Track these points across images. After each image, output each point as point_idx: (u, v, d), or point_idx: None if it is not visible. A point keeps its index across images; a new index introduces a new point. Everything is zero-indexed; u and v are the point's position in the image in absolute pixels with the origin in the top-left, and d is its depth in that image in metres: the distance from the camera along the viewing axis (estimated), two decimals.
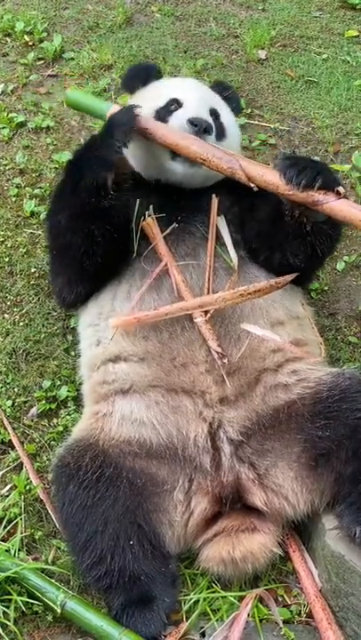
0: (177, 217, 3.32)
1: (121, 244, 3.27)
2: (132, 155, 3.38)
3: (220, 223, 3.27)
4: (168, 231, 3.26)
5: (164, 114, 3.37)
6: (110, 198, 3.14)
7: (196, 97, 3.44)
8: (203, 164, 3.17)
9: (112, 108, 3.33)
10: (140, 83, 3.68)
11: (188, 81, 3.79)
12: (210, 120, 3.31)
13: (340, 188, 3.00)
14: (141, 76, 3.72)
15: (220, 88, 3.78)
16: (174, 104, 3.40)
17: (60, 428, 3.50)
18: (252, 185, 3.10)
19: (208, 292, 3.15)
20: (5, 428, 3.49)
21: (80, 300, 3.43)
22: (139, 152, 3.38)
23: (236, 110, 3.80)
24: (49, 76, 4.72)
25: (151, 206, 3.30)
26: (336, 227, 3.25)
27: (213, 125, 3.30)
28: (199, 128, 3.21)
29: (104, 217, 3.19)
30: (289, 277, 3.13)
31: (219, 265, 3.23)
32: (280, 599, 3.07)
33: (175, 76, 4.61)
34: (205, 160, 3.13)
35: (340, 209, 2.97)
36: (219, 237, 3.27)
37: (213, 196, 3.28)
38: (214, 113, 3.45)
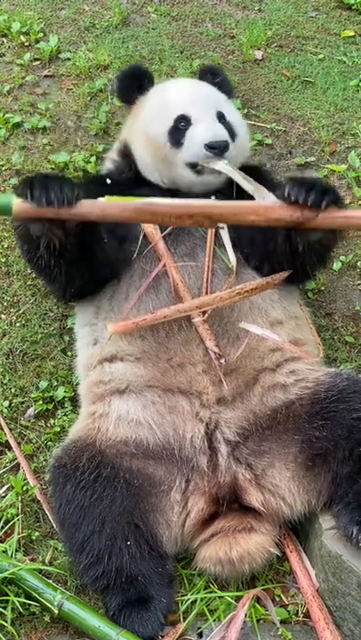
0: None
1: (103, 268, 3.26)
2: (142, 162, 3.44)
3: (219, 224, 3.27)
4: (167, 231, 3.26)
5: (177, 137, 3.35)
6: (62, 249, 3.03)
7: (203, 109, 3.40)
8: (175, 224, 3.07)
9: (16, 202, 2.78)
10: (137, 91, 3.66)
11: (188, 86, 3.72)
12: (225, 136, 3.28)
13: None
14: (134, 83, 3.68)
15: (209, 76, 3.76)
16: (183, 121, 3.37)
17: (57, 429, 3.50)
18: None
19: (206, 293, 3.15)
20: (2, 429, 3.49)
21: (73, 297, 3.43)
22: (154, 165, 3.41)
23: (229, 93, 3.78)
24: (45, 76, 4.71)
25: None
26: (327, 247, 3.23)
27: (229, 141, 3.28)
28: (219, 151, 3.20)
29: (68, 263, 3.11)
30: (284, 274, 3.11)
31: (217, 266, 3.23)
32: (277, 599, 3.08)
33: (171, 76, 4.61)
34: (174, 222, 2.94)
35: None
36: (218, 238, 3.27)
37: (213, 197, 3.27)
38: (221, 116, 3.43)
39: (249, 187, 2.99)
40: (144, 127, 3.48)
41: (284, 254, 3.15)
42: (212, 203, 2.82)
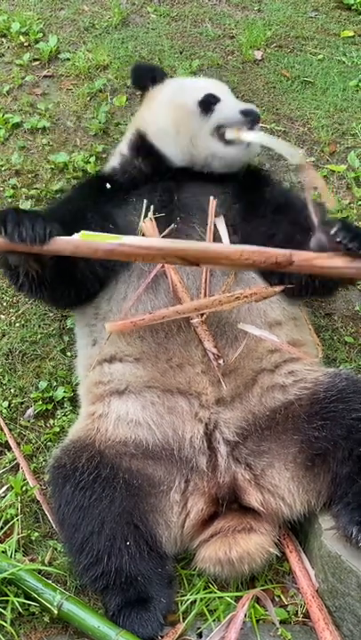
0: (176, 217, 3.32)
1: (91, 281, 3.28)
2: (161, 137, 3.48)
3: (218, 224, 3.27)
4: (166, 232, 3.26)
5: (207, 106, 3.40)
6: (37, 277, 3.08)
7: (228, 94, 3.52)
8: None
9: None
10: (150, 80, 3.73)
11: (206, 79, 3.88)
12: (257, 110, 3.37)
13: None
14: (149, 73, 3.77)
15: None
16: (212, 97, 3.43)
17: (57, 429, 3.50)
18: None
19: (205, 294, 3.15)
20: (2, 429, 3.49)
21: (72, 306, 3.45)
22: (175, 136, 3.45)
23: None
24: (45, 76, 4.71)
25: (152, 206, 3.29)
26: (337, 282, 3.26)
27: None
28: (252, 119, 3.27)
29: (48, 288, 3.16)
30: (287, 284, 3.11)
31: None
32: (277, 599, 3.07)
33: (171, 77, 4.61)
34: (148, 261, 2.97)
35: None
36: (217, 239, 3.27)
37: (211, 198, 3.28)
38: None
39: (287, 150, 3.09)
40: (170, 98, 3.54)
41: (298, 280, 3.14)
42: (185, 244, 2.83)
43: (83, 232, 2.80)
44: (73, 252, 2.83)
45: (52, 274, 3.06)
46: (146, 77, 3.76)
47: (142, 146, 3.56)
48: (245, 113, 3.29)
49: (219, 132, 3.35)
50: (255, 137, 3.27)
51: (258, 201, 3.35)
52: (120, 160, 3.64)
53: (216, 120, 3.36)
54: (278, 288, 3.04)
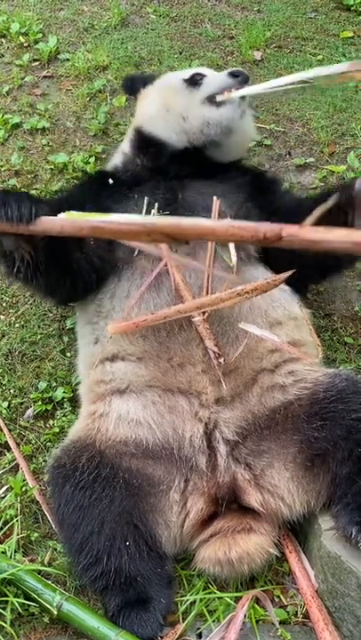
0: (180, 215, 3.32)
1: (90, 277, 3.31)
2: (157, 124, 3.53)
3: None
4: None
5: (194, 81, 3.48)
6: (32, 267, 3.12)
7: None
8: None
9: None
10: (141, 84, 3.79)
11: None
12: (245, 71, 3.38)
13: None
14: (140, 81, 3.83)
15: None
16: (198, 75, 3.51)
17: (56, 430, 3.50)
18: None
19: (207, 292, 3.15)
20: (1, 430, 3.49)
21: (70, 300, 3.45)
22: (168, 119, 3.49)
23: None
24: (44, 77, 4.72)
25: (156, 204, 3.30)
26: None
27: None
28: (242, 79, 3.29)
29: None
30: (285, 275, 3.07)
31: (218, 265, 3.23)
32: (276, 600, 3.07)
33: None
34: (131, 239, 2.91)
35: None
36: None
37: (215, 198, 3.28)
38: None
39: (278, 85, 3.08)
40: (159, 87, 3.63)
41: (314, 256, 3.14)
42: (169, 221, 2.80)
43: (67, 212, 2.81)
44: (59, 231, 2.82)
45: (45, 257, 3.07)
46: (138, 86, 3.82)
47: (141, 140, 3.60)
48: (233, 74, 3.33)
49: (210, 100, 3.40)
50: (246, 91, 3.30)
51: (270, 198, 3.36)
52: (122, 158, 3.67)
53: (205, 90, 3.43)
54: (279, 281, 3.04)
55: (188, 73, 3.58)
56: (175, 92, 3.50)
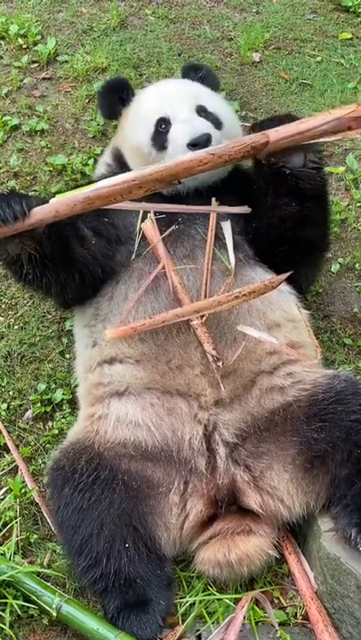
0: (177, 218, 3.32)
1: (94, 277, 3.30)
2: (130, 157, 3.50)
3: (224, 226, 3.27)
4: (167, 233, 3.26)
5: (160, 141, 3.38)
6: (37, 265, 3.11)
7: (180, 107, 3.40)
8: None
9: None
10: (120, 104, 3.69)
11: (164, 87, 3.70)
12: (205, 128, 3.26)
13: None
14: (115, 97, 3.70)
15: (192, 72, 3.79)
16: (163, 124, 3.40)
17: (56, 431, 3.50)
18: None
19: (205, 295, 3.15)
20: (0, 432, 3.49)
21: (75, 303, 3.43)
22: (139, 160, 3.42)
23: (215, 86, 3.80)
24: (43, 79, 4.71)
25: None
26: (317, 167, 3.19)
27: (211, 132, 3.26)
28: (201, 146, 3.15)
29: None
30: (283, 277, 3.08)
31: (216, 267, 3.23)
32: (276, 601, 3.07)
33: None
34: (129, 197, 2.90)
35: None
36: (218, 240, 3.26)
37: (213, 199, 3.28)
38: (202, 109, 3.44)
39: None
40: (129, 139, 3.52)
41: (281, 186, 3.15)
42: (156, 167, 2.79)
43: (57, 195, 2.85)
44: (55, 215, 2.86)
45: (51, 249, 3.06)
46: (114, 103, 3.71)
47: (120, 160, 3.61)
48: (193, 144, 3.20)
49: None
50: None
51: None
52: (107, 169, 3.66)
53: (170, 157, 3.26)
54: (277, 283, 3.04)
55: (152, 122, 3.41)
56: (147, 158, 3.40)
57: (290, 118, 3.00)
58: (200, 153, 2.78)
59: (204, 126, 3.29)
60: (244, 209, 3.15)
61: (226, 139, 3.30)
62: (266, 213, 3.26)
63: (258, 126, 3.03)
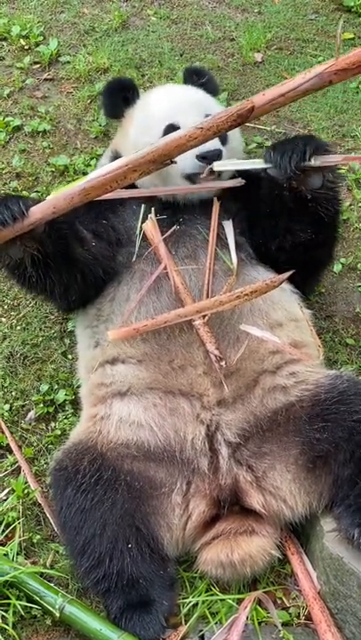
0: (179, 219, 3.32)
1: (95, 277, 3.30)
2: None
3: (226, 226, 3.27)
4: (168, 233, 3.26)
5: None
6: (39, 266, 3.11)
7: (192, 117, 3.34)
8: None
9: None
10: (123, 104, 3.66)
11: (175, 94, 3.65)
12: (216, 144, 3.22)
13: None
14: (119, 97, 3.68)
15: (195, 77, 3.77)
16: (172, 130, 3.35)
17: (58, 432, 3.51)
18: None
19: (207, 295, 3.15)
20: (3, 432, 3.49)
21: (78, 305, 3.43)
22: (149, 179, 3.35)
23: (215, 92, 3.79)
24: (45, 79, 4.72)
25: (153, 208, 3.29)
26: (334, 187, 3.19)
27: (220, 148, 3.24)
28: (210, 160, 3.16)
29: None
30: (284, 276, 3.08)
31: (218, 267, 3.23)
32: (279, 602, 3.07)
33: (171, 79, 4.62)
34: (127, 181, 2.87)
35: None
36: (220, 240, 3.26)
37: (215, 199, 3.28)
38: None
39: (254, 165, 3.10)
40: (134, 141, 3.47)
41: (298, 209, 3.15)
42: (148, 149, 2.78)
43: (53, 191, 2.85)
44: (53, 211, 2.86)
45: (53, 249, 3.06)
46: (118, 103, 3.68)
47: None
48: (203, 157, 3.18)
49: (188, 178, 3.29)
50: (218, 167, 3.16)
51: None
52: None
53: (179, 172, 3.27)
54: (278, 283, 3.04)
55: (161, 127, 3.37)
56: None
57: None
58: (189, 129, 2.76)
59: (216, 141, 3.23)
60: (238, 181, 3.12)
61: (229, 154, 3.33)
62: (276, 237, 3.28)
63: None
